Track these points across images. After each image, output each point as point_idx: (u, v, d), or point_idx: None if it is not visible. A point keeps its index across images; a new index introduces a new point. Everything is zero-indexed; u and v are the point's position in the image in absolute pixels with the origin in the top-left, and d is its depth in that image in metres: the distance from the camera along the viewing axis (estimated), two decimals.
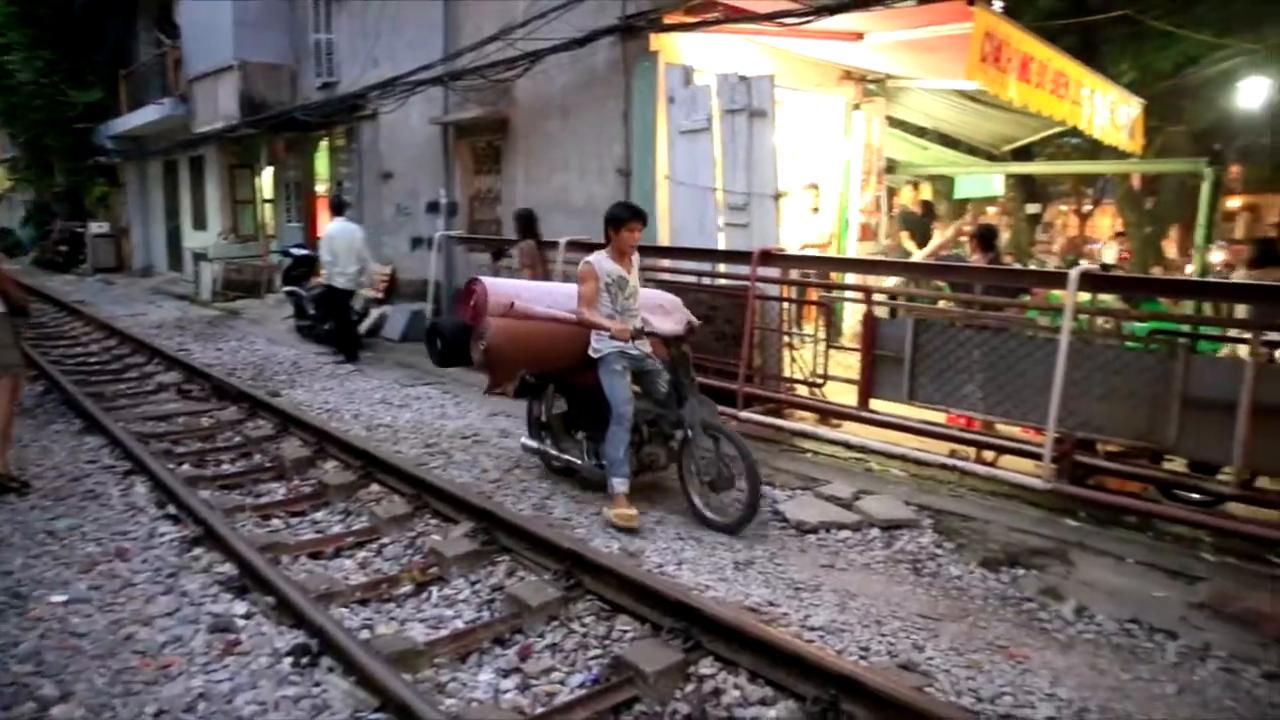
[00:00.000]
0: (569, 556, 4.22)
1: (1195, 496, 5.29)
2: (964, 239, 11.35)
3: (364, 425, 7.41)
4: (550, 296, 5.51)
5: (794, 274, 7.45)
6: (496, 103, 10.73)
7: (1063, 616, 4.11)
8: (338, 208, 10.57)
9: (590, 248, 5.78)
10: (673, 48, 8.70)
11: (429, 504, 5.21)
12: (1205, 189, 9.61)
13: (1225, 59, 13.33)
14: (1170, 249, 16.80)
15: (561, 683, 3.46)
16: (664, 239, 8.45)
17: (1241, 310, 5.88)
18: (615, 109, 9.09)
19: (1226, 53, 13.22)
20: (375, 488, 5.64)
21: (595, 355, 5.16)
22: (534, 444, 5.94)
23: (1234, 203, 24.78)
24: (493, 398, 7.63)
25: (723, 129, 7.88)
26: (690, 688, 3.38)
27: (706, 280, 7.73)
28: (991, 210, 17.73)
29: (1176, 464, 5.45)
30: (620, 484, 5.04)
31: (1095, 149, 12.46)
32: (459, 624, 3.92)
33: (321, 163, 16.08)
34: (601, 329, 5.08)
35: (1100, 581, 4.38)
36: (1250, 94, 13.17)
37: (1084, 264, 7.51)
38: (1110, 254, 13.29)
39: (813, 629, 3.87)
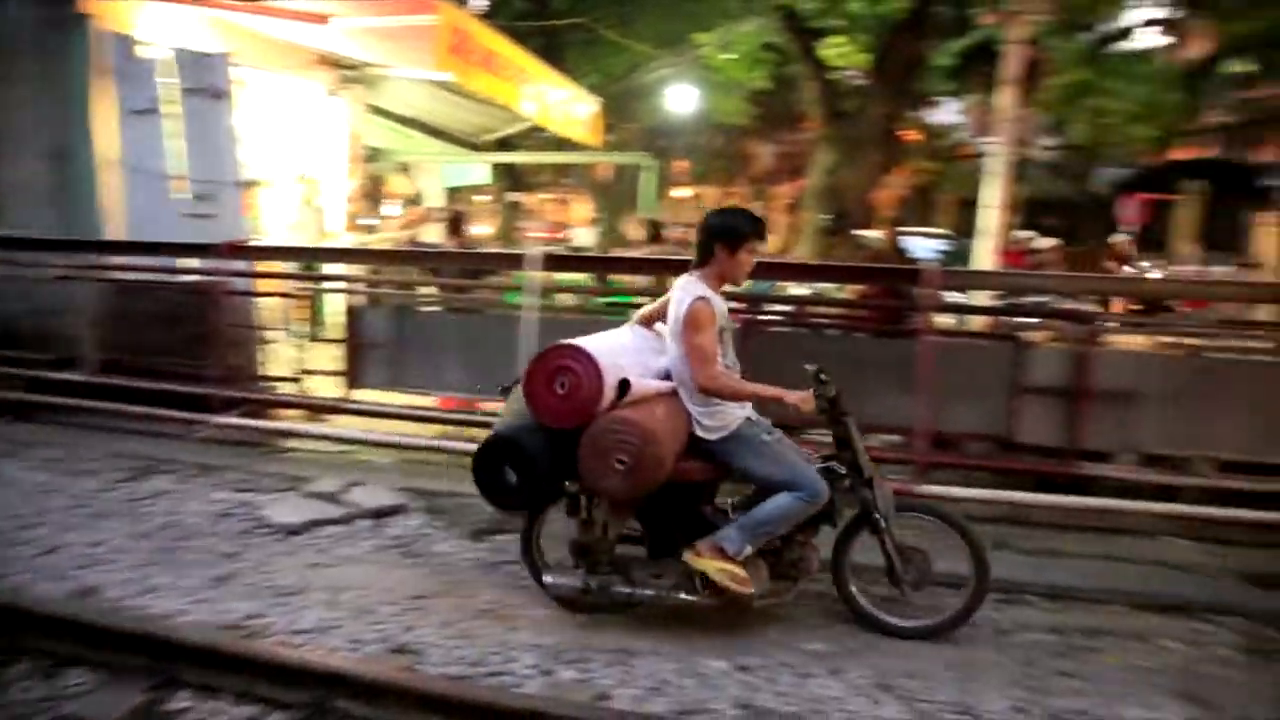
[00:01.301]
0: None
1: None
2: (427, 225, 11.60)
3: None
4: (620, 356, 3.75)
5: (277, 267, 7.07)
6: None
7: None
8: None
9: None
10: (119, 13, 7.67)
11: None
12: (646, 180, 11.05)
13: (661, 67, 15.50)
14: (635, 231, 19.07)
15: None
16: (118, 233, 7.47)
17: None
18: (42, 81, 7.76)
19: (661, 62, 15.37)
20: None
21: (718, 435, 3.70)
22: (581, 582, 3.80)
23: (684, 192, 28.87)
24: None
25: (184, 110, 7.18)
26: None
27: (168, 277, 7.01)
28: (482, 199, 18.58)
29: None
30: (750, 550, 3.66)
31: (564, 141, 13.71)
32: None
33: None
34: (771, 400, 3.65)
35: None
36: (679, 99, 15.44)
37: (544, 248, 8.12)
38: (585, 237, 14.71)
39: (301, 632, 3.72)
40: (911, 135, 20.38)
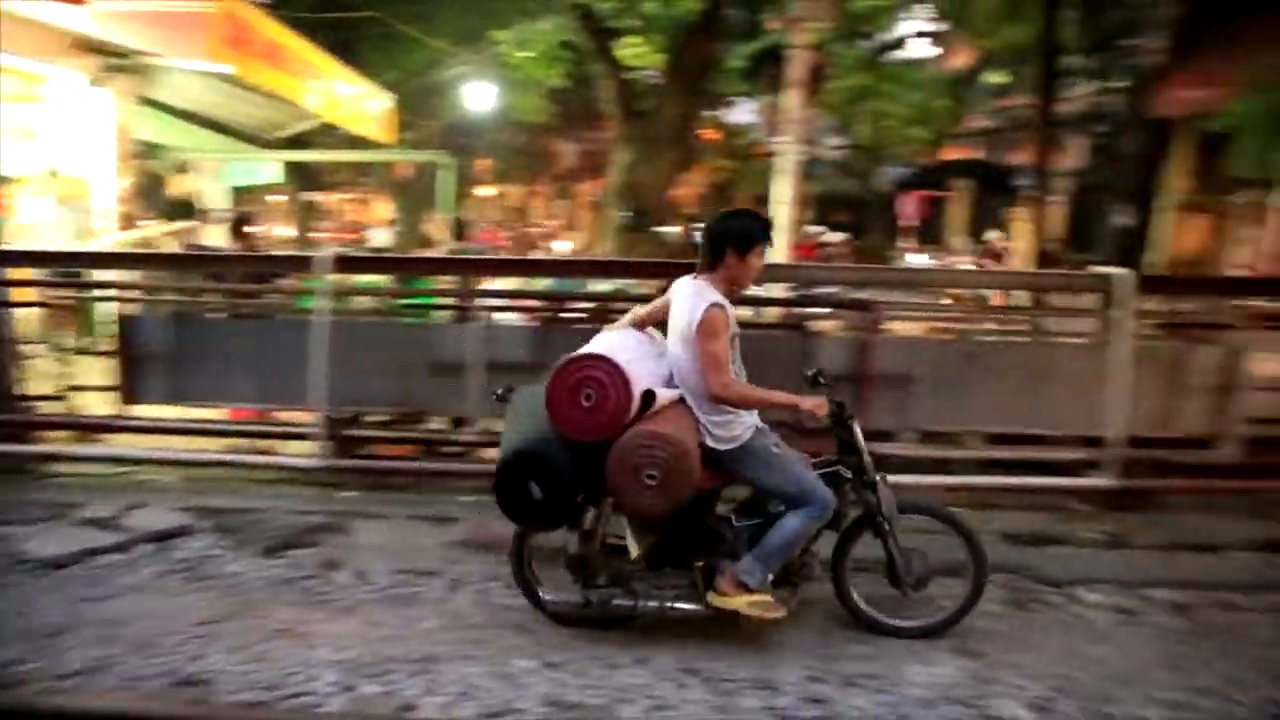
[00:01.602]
0: None
1: (454, 449, 5.97)
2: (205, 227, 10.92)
3: None
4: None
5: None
6: None
7: (341, 584, 4.29)
8: None
9: None
10: None
11: None
12: (445, 178, 10.84)
13: (459, 64, 15.24)
14: (438, 231, 18.70)
15: None
16: None
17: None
18: None
19: (460, 59, 15.12)
20: None
21: (730, 446, 3.58)
22: (581, 598, 3.70)
23: (487, 191, 28.54)
24: None
25: None
26: None
27: None
28: (276, 199, 17.63)
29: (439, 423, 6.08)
30: (771, 577, 3.65)
31: (359, 139, 13.22)
32: None
33: None
34: (785, 407, 3.58)
35: (374, 543, 4.69)
36: (477, 97, 15.24)
37: (335, 250, 7.82)
38: (382, 238, 14.27)
39: (69, 675, 3.41)
40: (709, 134, 21.12)
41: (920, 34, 22.62)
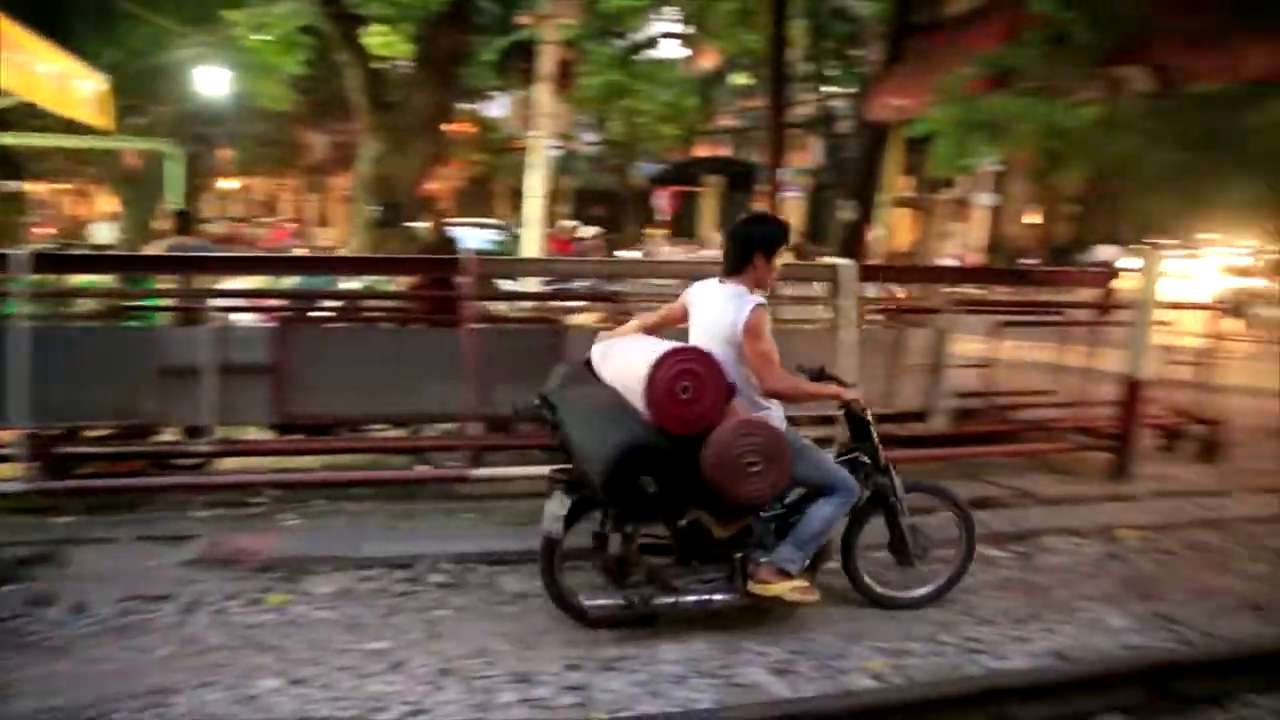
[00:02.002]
0: None
1: (188, 461, 5.53)
2: None
3: None
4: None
5: None
6: None
7: (53, 621, 3.85)
8: None
9: None
10: None
11: None
12: (171, 169, 10.00)
13: (191, 46, 14.05)
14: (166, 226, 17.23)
15: None
16: None
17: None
18: None
19: (192, 41, 13.94)
20: None
21: None
22: (623, 599, 3.72)
23: (230, 183, 26.64)
24: None
25: None
26: None
27: None
28: None
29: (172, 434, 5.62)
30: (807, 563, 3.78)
31: (73, 124, 11.86)
32: None
33: None
34: (830, 398, 3.88)
35: (95, 571, 4.25)
36: (210, 82, 14.10)
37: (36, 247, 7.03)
38: (105, 234, 12.94)
39: None
40: (464, 127, 20.87)
41: (669, 35, 23.50)
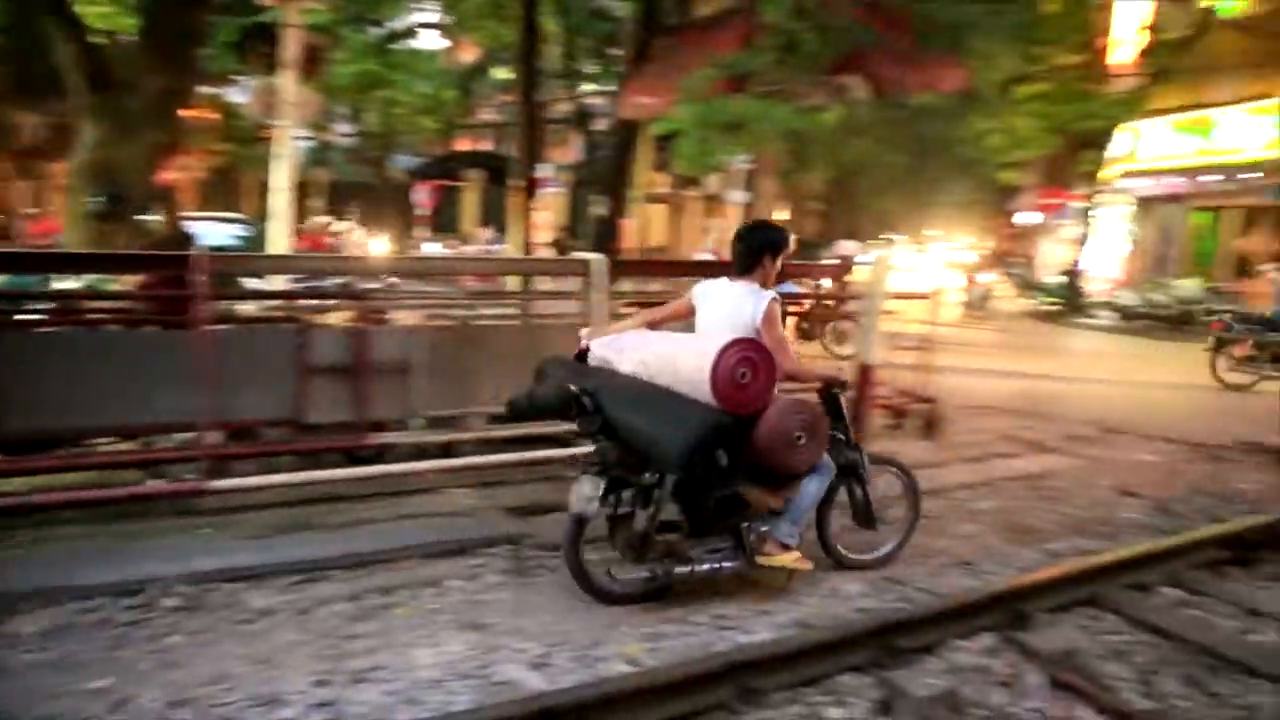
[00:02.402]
0: None
1: None
2: None
3: None
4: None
5: None
6: None
7: None
8: None
9: None
10: None
11: None
12: None
13: None
14: None
15: None
16: None
17: None
18: None
19: None
20: None
21: None
22: (649, 572, 4.07)
23: None
24: None
25: None
26: None
27: None
28: None
29: None
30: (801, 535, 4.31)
31: None
32: None
33: None
34: (821, 379, 4.50)
35: None
36: None
37: None
38: None
39: None
40: (206, 114, 19.29)
41: (427, 25, 22.94)
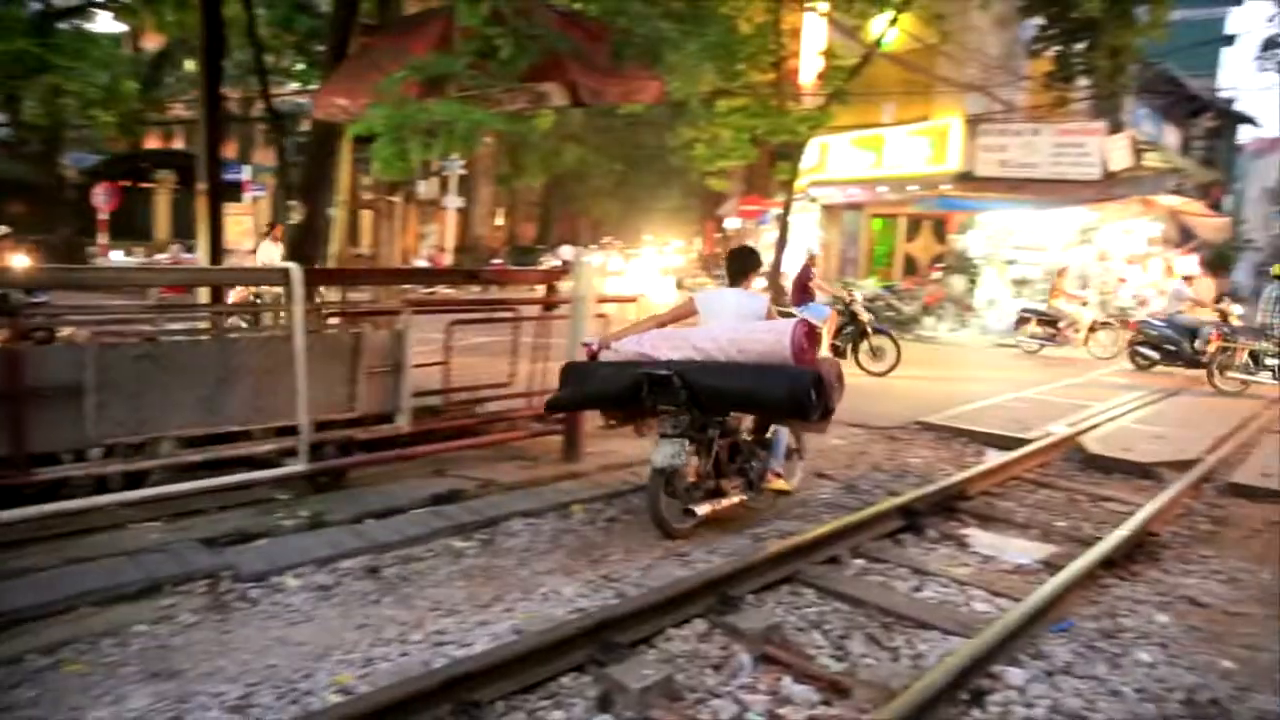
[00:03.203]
0: None
1: None
2: None
3: None
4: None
5: None
6: None
7: None
8: None
9: None
10: None
11: None
12: None
13: None
14: None
15: None
16: None
17: None
18: None
19: None
20: None
21: None
22: (710, 506, 5.46)
23: None
24: None
25: None
26: None
27: None
28: None
29: None
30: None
31: None
32: None
33: None
34: None
35: None
36: None
37: None
38: None
39: None
40: None
41: (100, 5, 20.51)
